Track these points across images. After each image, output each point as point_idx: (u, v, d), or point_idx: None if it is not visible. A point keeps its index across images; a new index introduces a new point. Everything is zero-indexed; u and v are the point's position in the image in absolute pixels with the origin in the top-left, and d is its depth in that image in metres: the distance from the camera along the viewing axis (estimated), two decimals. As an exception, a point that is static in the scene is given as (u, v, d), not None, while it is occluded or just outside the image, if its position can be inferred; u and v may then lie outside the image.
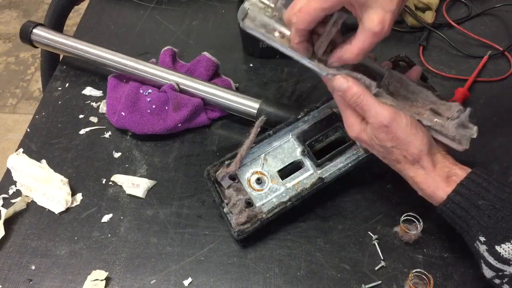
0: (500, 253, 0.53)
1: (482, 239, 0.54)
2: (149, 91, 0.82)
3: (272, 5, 0.59)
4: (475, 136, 0.61)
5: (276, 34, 0.59)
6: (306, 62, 0.60)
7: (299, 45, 0.57)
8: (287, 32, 0.59)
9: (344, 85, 0.58)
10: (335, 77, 0.59)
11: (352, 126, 0.61)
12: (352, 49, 0.55)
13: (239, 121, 0.80)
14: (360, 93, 0.57)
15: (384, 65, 0.65)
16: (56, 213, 0.71)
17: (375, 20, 0.51)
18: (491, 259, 0.54)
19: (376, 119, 0.57)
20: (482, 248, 0.54)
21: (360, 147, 0.68)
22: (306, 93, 0.84)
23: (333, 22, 0.56)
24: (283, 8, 0.59)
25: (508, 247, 0.52)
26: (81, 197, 0.73)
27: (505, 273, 0.53)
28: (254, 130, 0.68)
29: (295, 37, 0.56)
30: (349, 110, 0.60)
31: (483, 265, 0.55)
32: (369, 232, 0.66)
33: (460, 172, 0.57)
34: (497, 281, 0.55)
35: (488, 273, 0.55)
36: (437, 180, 0.57)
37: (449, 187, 0.56)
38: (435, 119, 0.61)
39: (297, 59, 0.60)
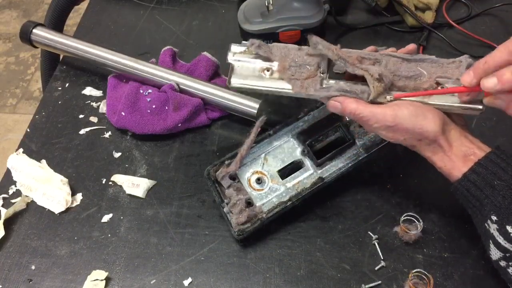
0: (510, 233, 0.53)
1: (494, 218, 0.54)
2: (149, 91, 0.82)
3: (251, 46, 0.66)
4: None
5: (266, 73, 0.65)
6: (299, 95, 0.65)
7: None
8: (273, 66, 0.65)
9: (339, 107, 0.61)
10: (328, 102, 0.62)
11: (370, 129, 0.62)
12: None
13: (239, 121, 0.80)
14: (354, 109, 0.59)
15: (382, 53, 0.64)
16: (56, 213, 0.71)
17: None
18: (500, 239, 0.54)
19: (379, 123, 0.58)
20: (493, 227, 0.55)
21: (360, 147, 0.68)
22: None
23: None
24: (260, 45, 0.66)
25: None
26: (81, 197, 0.73)
27: None
28: (254, 130, 0.68)
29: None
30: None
31: (491, 245, 0.56)
32: (369, 232, 0.66)
33: (479, 152, 0.57)
34: (503, 263, 0.55)
35: (495, 253, 0.55)
36: (454, 159, 0.57)
37: (465, 167, 0.56)
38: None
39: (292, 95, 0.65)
